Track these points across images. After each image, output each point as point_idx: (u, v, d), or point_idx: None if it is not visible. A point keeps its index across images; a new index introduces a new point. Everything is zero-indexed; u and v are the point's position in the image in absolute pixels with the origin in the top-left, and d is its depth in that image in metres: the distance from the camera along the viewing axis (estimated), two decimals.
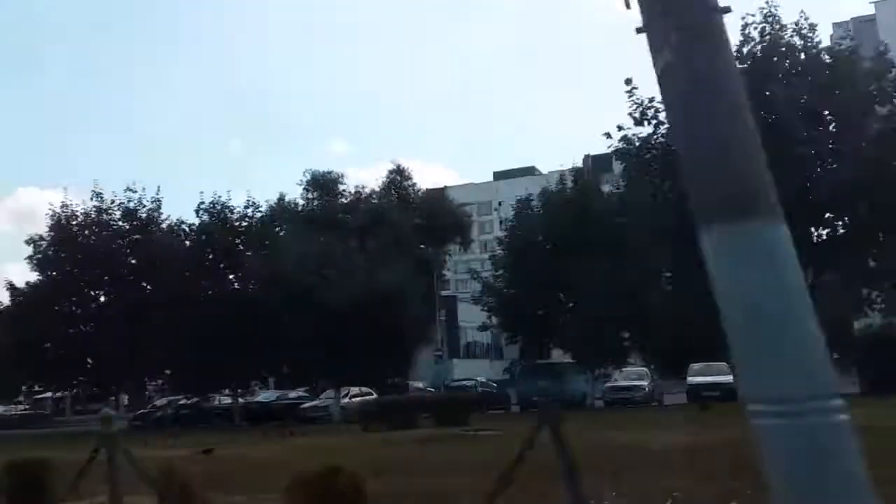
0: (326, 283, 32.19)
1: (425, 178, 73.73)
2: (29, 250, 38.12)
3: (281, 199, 45.86)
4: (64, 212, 38.31)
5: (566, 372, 31.62)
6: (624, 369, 31.07)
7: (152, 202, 39.47)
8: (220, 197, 39.00)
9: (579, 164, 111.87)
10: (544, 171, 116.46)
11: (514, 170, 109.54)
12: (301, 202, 48.61)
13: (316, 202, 49.22)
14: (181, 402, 38.68)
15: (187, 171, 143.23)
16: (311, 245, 35.22)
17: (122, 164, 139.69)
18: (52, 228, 38.32)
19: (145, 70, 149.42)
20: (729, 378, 28.61)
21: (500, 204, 65.72)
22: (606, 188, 35.16)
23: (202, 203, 38.29)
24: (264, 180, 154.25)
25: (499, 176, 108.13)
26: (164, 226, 39.19)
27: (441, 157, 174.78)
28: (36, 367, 37.09)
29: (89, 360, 36.74)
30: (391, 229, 42.79)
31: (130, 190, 39.19)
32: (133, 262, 37.75)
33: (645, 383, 29.45)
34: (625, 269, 27.35)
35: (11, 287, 37.73)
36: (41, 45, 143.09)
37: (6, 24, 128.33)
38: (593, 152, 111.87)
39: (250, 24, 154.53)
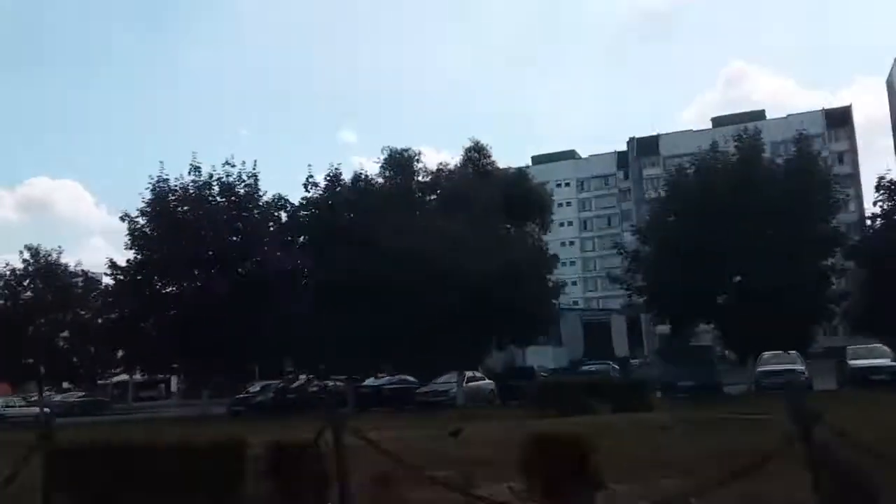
0: (458, 263, 30.73)
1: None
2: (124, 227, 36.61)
3: (359, 177, 44.43)
4: (161, 186, 36.59)
5: (706, 355, 30.19)
6: (772, 353, 29.51)
7: (249, 177, 37.98)
8: (336, 169, 37.82)
9: (618, 147, 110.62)
10: (584, 154, 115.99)
11: (553, 154, 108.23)
12: (380, 181, 47.11)
13: (395, 180, 47.73)
14: (281, 387, 37.27)
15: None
16: (425, 223, 33.79)
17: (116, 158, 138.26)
18: (150, 204, 36.65)
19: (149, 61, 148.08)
20: (891, 361, 27.50)
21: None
22: None
23: (310, 177, 36.79)
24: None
25: (537, 160, 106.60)
26: (261, 202, 37.65)
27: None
28: (135, 349, 35.63)
29: (192, 342, 35.12)
30: (478, 207, 41.31)
31: (229, 164, 37.56)
32: (236, 238, 36.10)
33: (802, 367, 28.01)
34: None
35: (112, 265, 36.15)
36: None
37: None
38: (631, 136, 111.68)
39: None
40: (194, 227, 35.53)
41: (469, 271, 30.46)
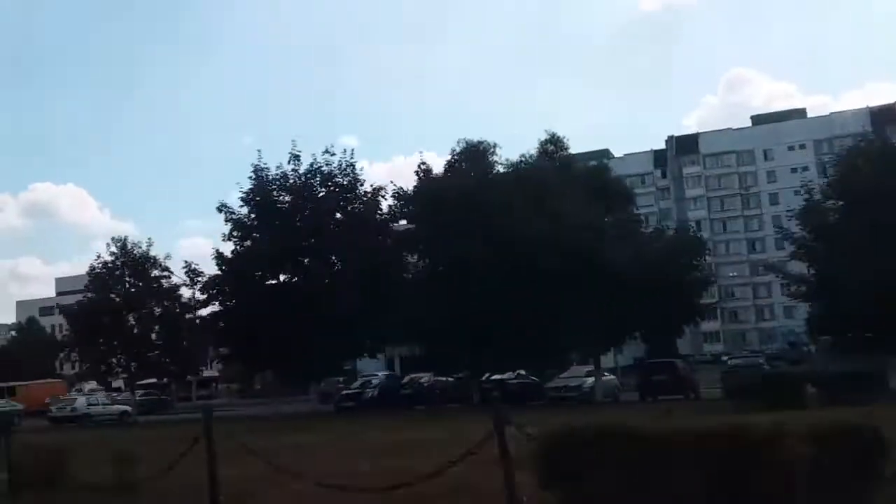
0: (601, 252, 29.31)
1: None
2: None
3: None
4: (262, 175, 35.01)
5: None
6: None
7: (347, 166, 36.50)
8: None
9: (654, 146, 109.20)
10: (618, 154, 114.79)
11: (588, 153, 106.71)
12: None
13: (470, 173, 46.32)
14: (395, 380, 35.79)
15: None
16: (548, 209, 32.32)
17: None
18: (250, 193, 35.12)
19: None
20: None
21: None
22: None
23: (422, 164, 35.38)
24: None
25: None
26: (360, 191, 36.19)
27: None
28: (236, 343, 33.97)
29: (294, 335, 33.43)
30: (569, 198, 39.92)
31: (328, 153, 36.09)
32: (337, 228, 34.52)
33: None
34: None
35: (219, 256, 34.54)
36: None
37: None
38: (662, 135, 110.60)
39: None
40: (295, 216, 34.16)
41: (613, 259, 29.01)
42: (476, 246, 31.23)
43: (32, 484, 9.71)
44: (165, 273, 38.28)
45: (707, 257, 39.76)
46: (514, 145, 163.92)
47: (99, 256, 38.02)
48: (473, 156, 49.95)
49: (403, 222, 37.87)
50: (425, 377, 35.48)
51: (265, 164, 35.82)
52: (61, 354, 43.23)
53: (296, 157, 35.85)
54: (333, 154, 36.09)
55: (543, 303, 30.03)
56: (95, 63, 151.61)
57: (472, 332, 30.79)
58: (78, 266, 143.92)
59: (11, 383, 63.11)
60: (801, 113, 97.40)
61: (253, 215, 35.19)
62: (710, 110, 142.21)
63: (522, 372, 34.79)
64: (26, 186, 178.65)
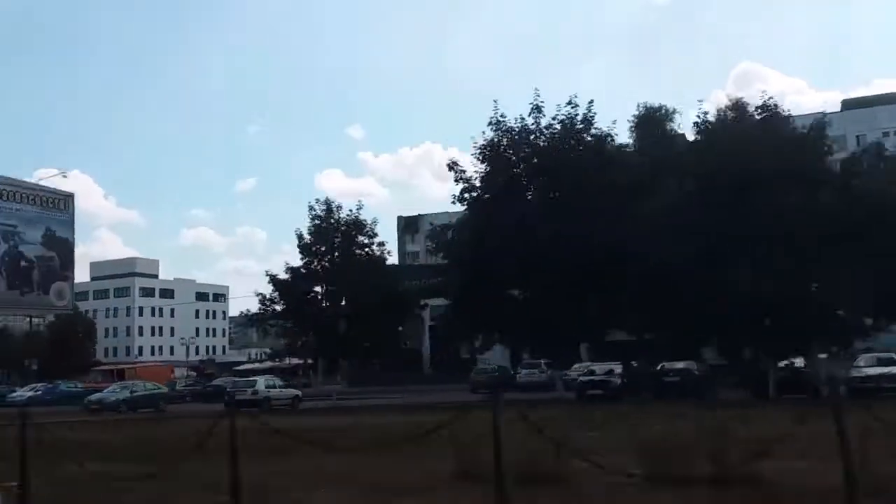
0: None
1: None
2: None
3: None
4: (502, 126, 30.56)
5: None
6: None
7: (584, 121, 32.28)
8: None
9: None
10: None
11: None
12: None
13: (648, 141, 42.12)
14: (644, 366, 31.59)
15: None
16: None
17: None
18: (487, 147, 30.86)
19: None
20: None
21: None
22: None
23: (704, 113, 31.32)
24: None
25: None
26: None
27: None
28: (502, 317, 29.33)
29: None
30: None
31: (571, 104, 31.80)
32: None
33: None
34: None
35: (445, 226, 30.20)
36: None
37: None
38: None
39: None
40: (551, 174, 29.84)
41: None
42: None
43: None
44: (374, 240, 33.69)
45: None
46: None
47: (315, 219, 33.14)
48: (653, 121, 45.23)
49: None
50: (681, 364, 31.11)
51: (503, 115, 31.65)
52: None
53: (537, 109, 31.76)
54: (576, 106, 31.98)
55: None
56: (101, 52, 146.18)
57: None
58: (85, 255, 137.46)
59: (121, 366, 59.12)
60: (893, 98, 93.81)
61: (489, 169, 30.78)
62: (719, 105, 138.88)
63: (797, 361, 30.42)
64: (31, 174, 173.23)
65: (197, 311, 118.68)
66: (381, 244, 34.36)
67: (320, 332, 31.81)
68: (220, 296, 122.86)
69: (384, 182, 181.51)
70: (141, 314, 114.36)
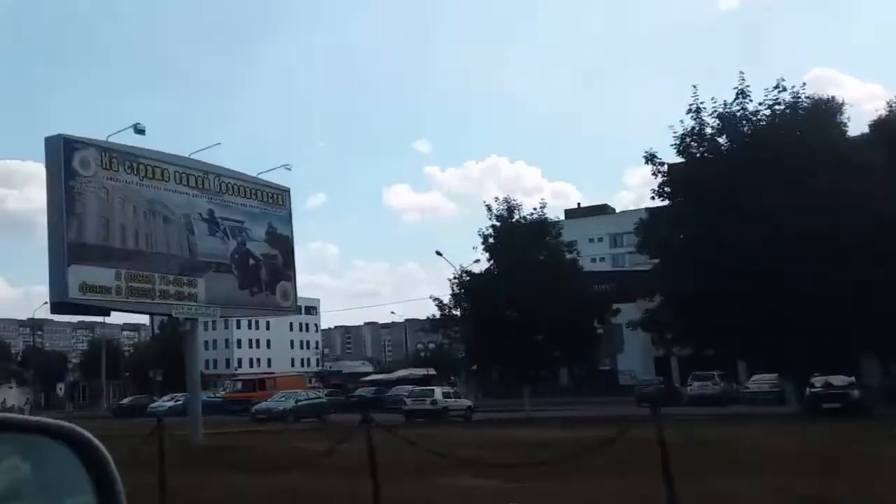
0: None
1: None
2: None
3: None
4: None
5: None
6: None
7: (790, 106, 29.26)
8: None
9: None
10: None
11: None
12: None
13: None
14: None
15: None
16: None
17: None
18: (688, 138, 28.13)
19: None
20: None
21: None
22: None
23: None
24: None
25: None
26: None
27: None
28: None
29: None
30: None
31: (779, 87, 28.79)
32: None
33: None
34: None
35: (653, 217, 27.51)
36: None
37: None
38: None
39: None
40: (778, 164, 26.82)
41: None
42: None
43: None
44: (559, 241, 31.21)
45: None
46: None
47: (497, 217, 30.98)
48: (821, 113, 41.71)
49: None
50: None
51: (701, 102, 29.04)
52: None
53: (742, 94, 29.00)
54: (784, 90, 29.07)
55: None
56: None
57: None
58: None
59: (262, 376, 58.76)
60: None
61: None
62: None
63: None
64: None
65: (291, 324, 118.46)
66: (571, 244, 31.79)
67: (506, 339, 29.46)
68: (312, 308, 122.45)
69: (450, 196, 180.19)
70: (238, 326, 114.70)
